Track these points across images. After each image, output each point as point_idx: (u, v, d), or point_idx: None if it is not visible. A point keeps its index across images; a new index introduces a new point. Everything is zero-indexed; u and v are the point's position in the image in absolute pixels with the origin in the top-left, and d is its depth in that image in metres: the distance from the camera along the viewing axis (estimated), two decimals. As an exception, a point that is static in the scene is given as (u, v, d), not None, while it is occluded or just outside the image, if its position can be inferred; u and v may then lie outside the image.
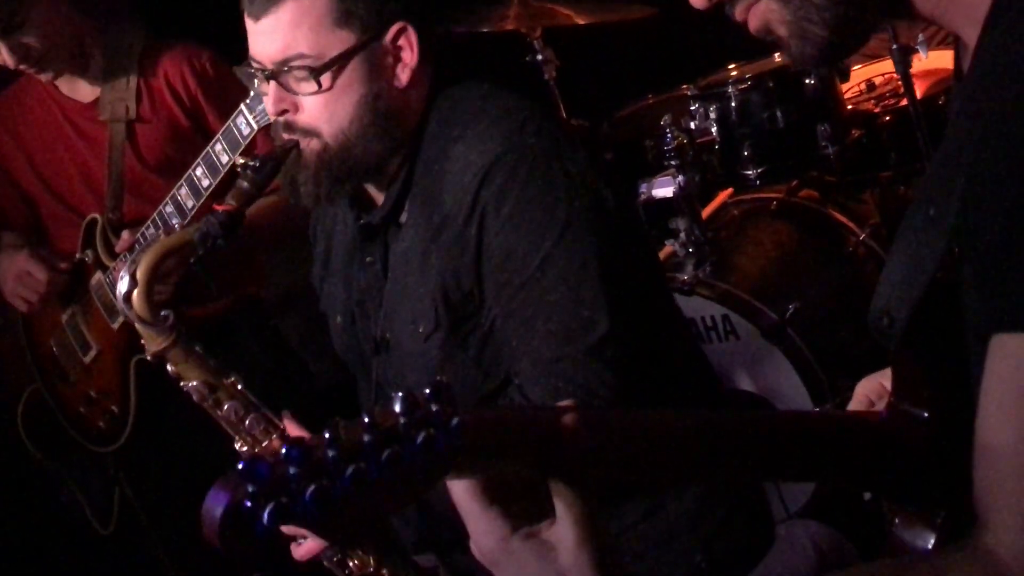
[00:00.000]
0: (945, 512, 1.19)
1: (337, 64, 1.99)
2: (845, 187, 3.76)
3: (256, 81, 2.10)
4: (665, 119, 3.50)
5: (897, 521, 1.23)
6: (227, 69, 2.95)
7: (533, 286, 1.94)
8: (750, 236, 3.59)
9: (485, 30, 3.81)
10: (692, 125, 3.62)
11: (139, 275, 2.10)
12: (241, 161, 2.09)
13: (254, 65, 2.05)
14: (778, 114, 3.56)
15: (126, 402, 3.03)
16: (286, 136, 2.06)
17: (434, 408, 0.95)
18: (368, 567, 2.12)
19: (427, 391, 0.96)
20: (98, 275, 2.97)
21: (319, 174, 2.06)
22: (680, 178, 3.39)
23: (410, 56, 2.03)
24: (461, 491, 1.09)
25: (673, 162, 3.43)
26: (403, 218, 2.11)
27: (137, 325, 2.15)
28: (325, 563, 2.15)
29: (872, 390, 1.39)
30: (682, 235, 3.39)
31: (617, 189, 2.05)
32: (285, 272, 4.03)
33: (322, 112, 2.02)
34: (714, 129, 3.61)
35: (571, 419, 1.08)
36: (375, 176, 2.11)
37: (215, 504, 0.89)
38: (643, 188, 3.52)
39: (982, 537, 1.02)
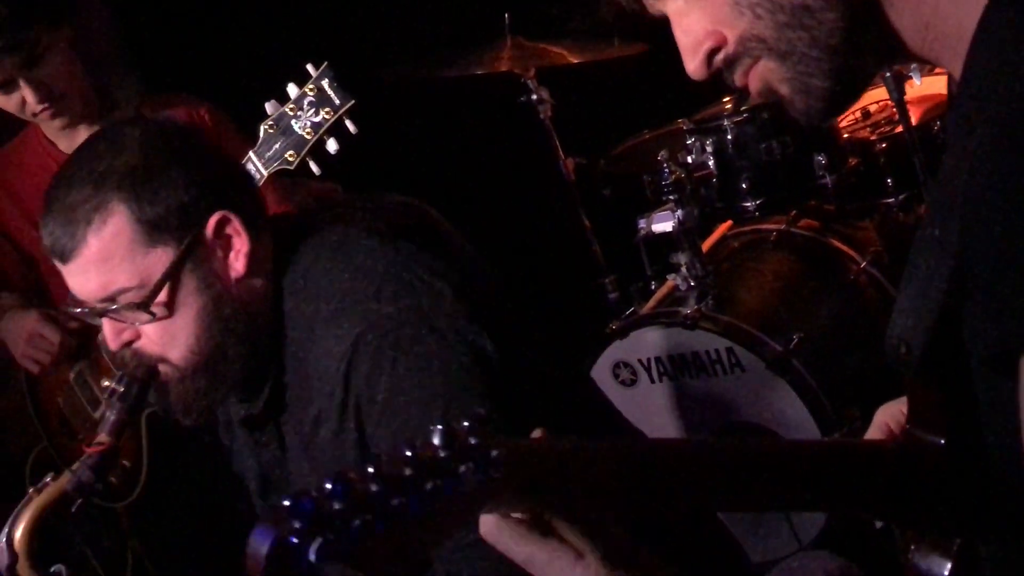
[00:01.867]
0: (961, 540, 1.18)
1: (164, 284, 1.84)
2: (844, 216, 3.76)
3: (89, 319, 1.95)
4: (662, 154, 3.51)
5: (913, 549, 1.22)
6: (224, 119, 2.95)
7: None
8: (751, 268, 3.58)
9: (479, 72, 3.82)
10: (689, 159, 3.62)
11: (17, 545, 1.99)
12: (105, 384, 2.00)
13: (81, 307, 1.91)
14: (774, 145, 3.56)
15: (138, 456, 3.01)
16: (135, 365, 1.93)
17: (473, 441, 0.95)
18: None
19: (465, 424, 0.96)
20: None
21: (185, 396, 1.93)
22: (679, 212, 3.39)
23: (241, 242, 1.89)
24: (501, 531, 1.08)
25: (671, 196, 3.43)
26: (288, 396, 1.98)
27: None
28: None
29: (891, 416, 1.39)
30: (683, 269, 3.39)
31: (491, 325, 1.87)
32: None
33: (164, 337, 1.88)
34: (711, 162, 3.61)
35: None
36: (249, 374, 1.96)
37: (261, 540, 0.88)
38: (642, 223, 3.52)
39: None
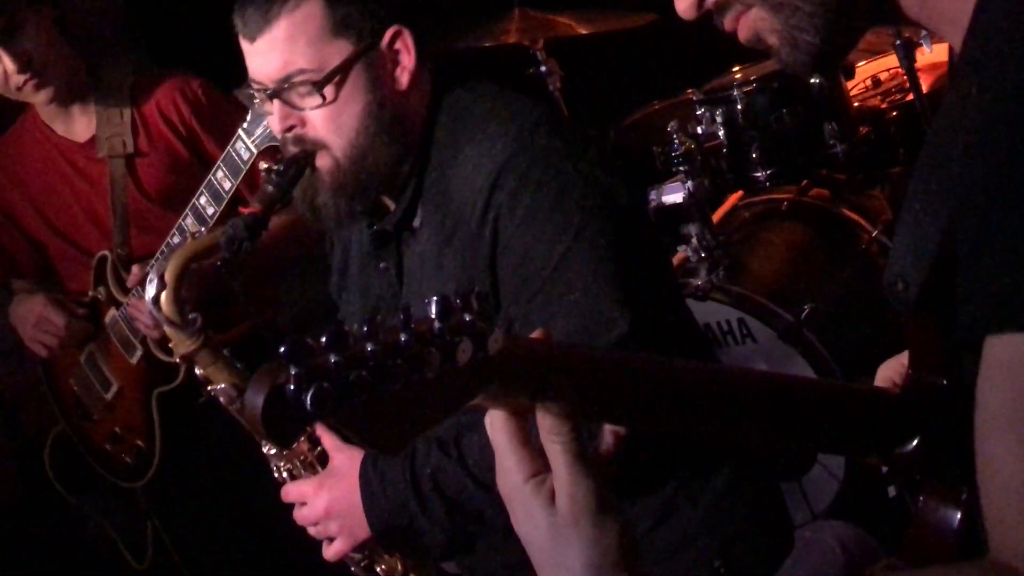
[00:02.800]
0: (969, 488, 1.18)
1: (338, 74, 1.98)
2: (855, 184, 3.75)
3: (258, 102, 2.08)
4: (672, 125, 3.50)
5: (922, 500, 1.22)
6: (219, 95, 2.95)
7: (551, 287, 1.93)
8: (762, 238, 3.58)
9: (487, 44, 3.82)
10: (699, 130, 3.61)
11: (167, 277, 2.13)
12: (264, 166, 2.09)
13: (255, 86, 2.04)
14: (784, 115, 3.55)
15: (151, 435, 3.03)
16: (296, 150, 2.05)
17: (467, 317, 0.95)
18: (396, 572, 2.11)
19: (458, 299, 0.96)
20: (112, 311, 2.98)
21: (336, 192, 2.05)
22: (689, 183, 3.39)
23: (408, 59, 2.03)
24: (497, 423, 1.10)
25: (682, 168, 3.42)
26: (416, 222, 2.11)
27: (166, 327, 2.17)
28: (353, 568, 2.14)
29: (895, 371, 1.39)
30: (694, 240, 3.39)
31: (629, 187, 2.04)
32: (302, 295, 4.04)
33: (329, 124, 2.01)
34: (721, 133, 3.60)
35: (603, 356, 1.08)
36: (388, 185, 2.10)
37: (258, 390, 0.88)
38: (653, 195, 3.52)
39: (998, 556, 1.00)
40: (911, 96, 3.51)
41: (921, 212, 1.10)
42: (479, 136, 2.01)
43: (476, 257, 1.99)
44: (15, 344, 3.23)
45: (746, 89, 3.58)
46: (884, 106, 3.73)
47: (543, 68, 3.81)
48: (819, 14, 1.14)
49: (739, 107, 3.59)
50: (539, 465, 1.09)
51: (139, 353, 2.96)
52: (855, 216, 3.62)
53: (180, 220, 2.65)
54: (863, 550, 2.52)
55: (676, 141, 3.45)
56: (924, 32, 3.36)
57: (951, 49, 1.19)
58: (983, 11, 1.05)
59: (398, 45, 2.02)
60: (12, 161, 3.11)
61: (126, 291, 2.91)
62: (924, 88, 3.51)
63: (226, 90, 2.52)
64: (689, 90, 3.79)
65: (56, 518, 3.57)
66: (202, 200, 2.58)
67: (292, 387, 0.87)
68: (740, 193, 3.81)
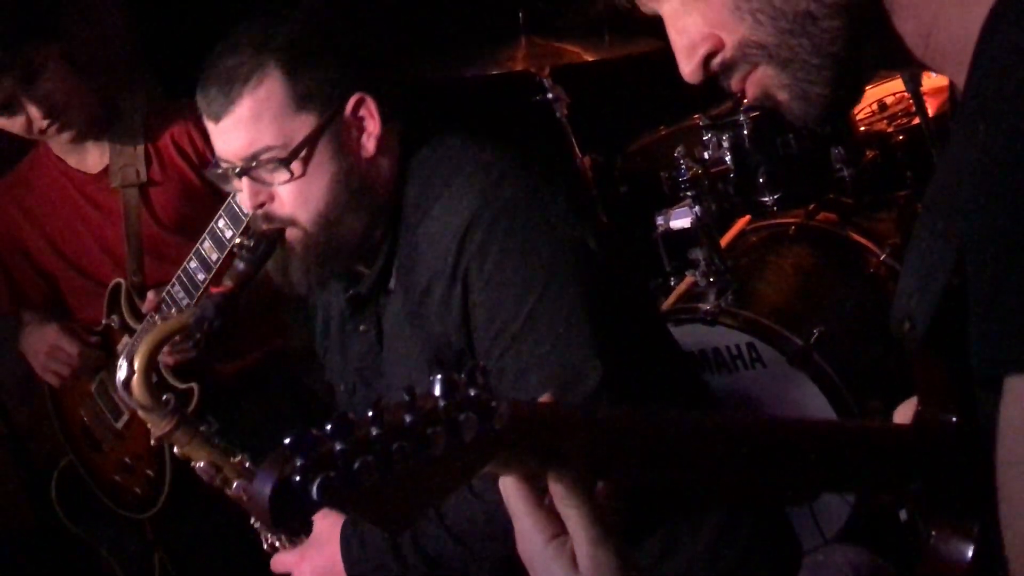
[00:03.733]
0: (981, 523, 1.18)
1: (304, 149, 1.98)
2: (863, 208, 3.75)
3: (228, 180, 2.09)
4: (678, 150, 3.51)
5: (934, 534, 1.22)
6: None
7: (523, 341, 1.92)
8: (770, 262, 3.58)
9: (494, 72, 3.83)
10: (706, 155, 3.62)
11: (137, 362, 2.12)
12: (236, 240, 2.10)
13: (223, 165, 2.05)
14: (791, 139, 3.55)
15: (161, 465, 3.03)
16: (267, 226, 2.06)
17: (472, 392, 0.95)
18: None
19: (463, 375, 0.96)
20: (125, 339, 2.98)
21: (307, 261, 2.06)
22: (697, 208, 3.39)
23: (373, 125, 2.03)
24: (510, 488, 1.10)
25: (689, 192, 3.43)
26: (391, 284, 2.10)
27: (139, 411, 2.16)
28: None
29: (908, 417, 1.38)
30: (702, 265, 3.39)
31: (601, 232, 2.03)
32: (307, 320, 4.04)
33: (298, 198, 2.01)
34: (728, 157, 3.60)
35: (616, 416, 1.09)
36: (361, 252, 2.11)
37: (264, 482, 0.88)
38: (660, 220, 3.52)
39: None
40: (917, 120, 3.52)
41: (928, 251, 1.11)
42: (446, 193, 2.01)
43: (450, 315, 1.99)
44: (26, 374, 3.23)
45: (752, 114, 3.59)
46: (890, 130, 3.74)
47: (550, 95, 3.82)
48: (827, 66, 1.14)
49: (746, 132, 3.59)
50: (558, 526, 1.09)
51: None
52: (863, 240, 3.62)
53: (198, 244, 2.65)
54: (874, 574, 2.52)
55: (683, 166, 3.46)
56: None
57: (953, 87, 1.19)
58: (985, 47, 1.05)
59: (362, 112, 2.02)
60: (24, 193, 3.12)
61: (140, 318, 2.91)
62: (930, 112, 3.51)
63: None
64: (696, 115, 3.80)
65: (65, 549, 3.56)
66: (220, 223, 2.59)
67: (298, 478, 0.88)
68: (748, 217, 3.81)
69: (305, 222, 2.03)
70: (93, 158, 3.04)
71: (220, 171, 2.07)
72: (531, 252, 1.93)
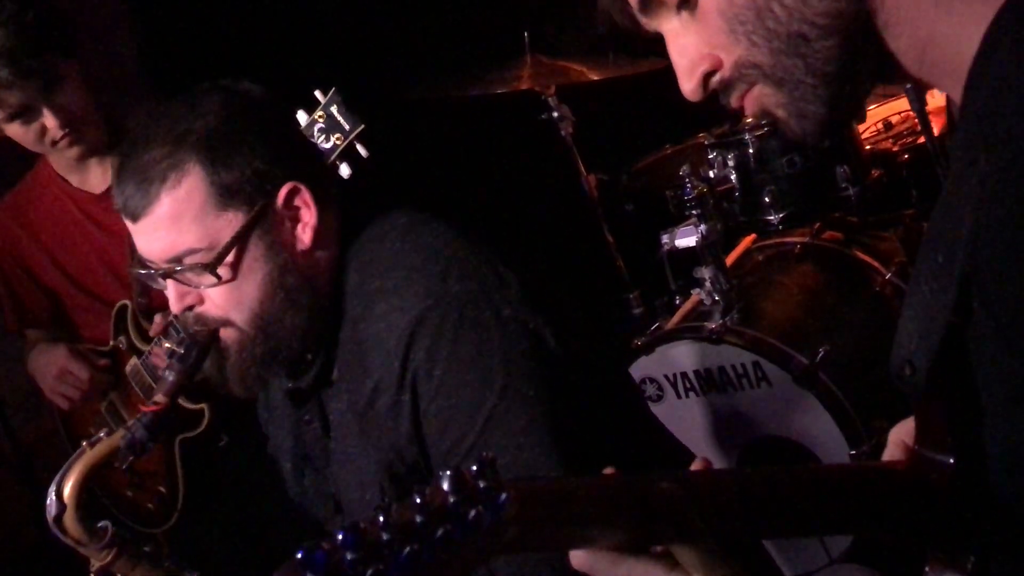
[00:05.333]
0: (975, 557, 1.18)
1: (231, 249, 1.86)
2: (868, 227, 3.75)
3: (159, 278, 1.95)
4: (684, 169, 3.51)
5: (928, 569, 1.22)
6: None
7: (479, 451, 1.79)
8: (776, 281, 3.58)
9: (499, 91, 3.84)
10: (711, 173, 3.62)
11: (67, 497, 2.02)
12: (167, 346, 2.02)
13: (147, 264, 1.92)
14: (796, 158, 3.55)
15: (174, 482, 3.02)
16: (198, 328, 1.94)
17: (481, 485, 0.95)
18: None
19: (473, 468, 0.96)
20: (133, 360, 2.98)
21: (243, 363, 1.94)
22: (702, 227, 3.39)
23: (308, 214, 1.91)
24: (593, 564, 1.11)
25: (694, 211, 3.42)
26: (334, 375, 1.99)
27: (77, 548, 2.07)
28: None
29: (907, 434, 1.38)
30: (707, 284, 3.38)
31: (556, 318, 1.89)
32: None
33: (228, 300, 1.90)
34: (733, 176, 3.61)
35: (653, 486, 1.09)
36: (302, 349, 1.98)
37: None
38: (665, 238, 3.52)
39: None
40: (922, 139, 3.52)
41: (928, 292, 1.11)
42: (389, 286, 1.89)
43: (399, 425, 1.88)
44: (31, 392, 3.23)
45: (757, 133, 3.59)
46: (896, 149, 3.74)
47: (555, 114, 3.83)
48: (822, 85, 1.15)
49: (751, 151, 3.60)
50: (664, 561, 1.12)
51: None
52: (868, 258, 3.61)
53: None
54: (881, 595, 2.50)
55: (688, 185, 3.45)
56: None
57: (950, 101, 1.19)
58: (982, 68, 1.06)
59: (297, 202, 1.91)
60: (26, 212, 3.13)
61: (147, 340, 2.91)
62: (935, 130, 3.51)
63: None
64: (701, 134, 3.81)
65: (70, 568, 3.56)
66: None
67: None
68: (753, 236, 3.81)
69: (240, 323, 1.91)
70: (95, 177, 3.05)
71: (143, 272, 1.94)
72: (483, 355, 1.81)
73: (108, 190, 3.02)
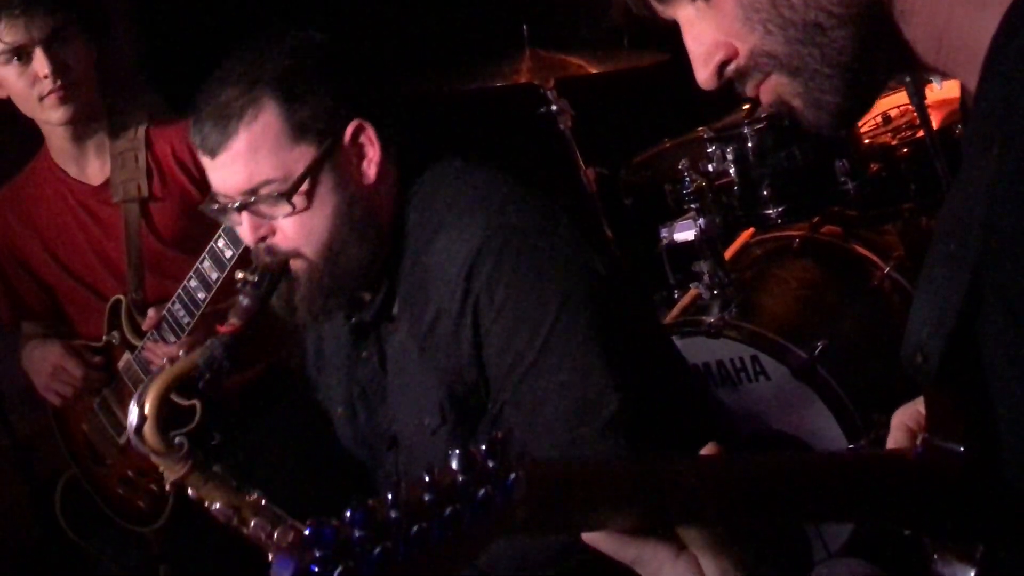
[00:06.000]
0: (984, 546, 1.18)
1: (305, 180, 1.97)
2: (867, 221, 3.75)
3: (227, 215, 2.06)
4: (683, 163, 3.51)
5: (936, 557, 1.22)
6: None
7: (538, 372, 1.91)
8: (774, 275, 3.58)
9: (498, 84, 3.83)
10: (710, 167, 3.61)
11: (148, 408, 2.11)
12: (240, 276, 2.08)
13: (222, 199, 2.03)
14: (795, 152, 3.55)
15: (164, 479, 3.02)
16: (270, 259, 2.04)
17: (491, 464, 0.95)
18: None
19: (483, 447, 0.96)
20: (127, 356, 2.98)
21: (312, 291, 2.04)
22: (701, 221, 3.39)
23: (373, 151, 2.02)
24: (604, 543, 1.11)
25: (693, 205, 3.43)
26: (394, 310, 2.09)
27: (152, 457, 2.14)
28: None
29: (910, 418, 1.38)
30: (706, 278, 3.38)
31: (607, 253, 2.02)
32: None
33: (300, 231, 2.00)
34: (732, 170, 3.60)
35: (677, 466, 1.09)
36: (366, 281, 2.09)
37: (282, 570, 0.88)
38: (664, 232, 3.52)
39: None
40: (922, 132, 3.52)
41: (941, 279, 1.11)
42: (449, 220, 1.99)
43: (460, 347, 1.97)
44: (29, 386, 3.23)
45: (757, 126, 3.59)
46: (895, 143, 3.73)
47: (554, 107, 3.82)
48: (838, 75, 1.15)
49: (750, 144, 3.59)
50: (675, 541, 1.11)
51: None
52: (867, 253, 3.61)
53: (197, 263, 2.65)
54: (879, 589, 2.50)
55: (687, 179, 3.46)
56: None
57: (963, 91, 1.19)
58: (998, 56, 1.05)
59: (361, 139, 2.01)
60: (24, 203, 3.12)
61: (141, 335, 2.90)
62: (934, 124, 3.50)
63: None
64: (700, 128, 3.80)
65: (68, 562, 3.56)
66: (220, 243, 2.58)
67: (316, 569, 0.87)
68: (752, 230, 3.81)
69: (310, 254, 2.01)
70: (94, 169, 3.04)
71: (216, 207, 2.04)
72: (541, 280, 1.92)
73: (106, 183, 3.02)
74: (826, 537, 3.12)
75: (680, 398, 2.11)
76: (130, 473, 3.09)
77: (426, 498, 0.92)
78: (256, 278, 2.04)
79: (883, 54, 1.15)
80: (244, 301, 2.06)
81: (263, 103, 1.96)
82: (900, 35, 1.14)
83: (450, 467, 0.94)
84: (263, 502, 2.17)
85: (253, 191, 1.98)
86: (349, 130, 2.00)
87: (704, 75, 1.21)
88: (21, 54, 2.81)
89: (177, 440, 2.14)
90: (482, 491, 0.94)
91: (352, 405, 2.24)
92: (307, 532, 0.88)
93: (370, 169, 2.02)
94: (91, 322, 3.08)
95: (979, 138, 1.06)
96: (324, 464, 2.46)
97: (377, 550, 0.89)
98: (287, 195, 1.95)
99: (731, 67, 1.20)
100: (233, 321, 2.06)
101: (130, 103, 3.12)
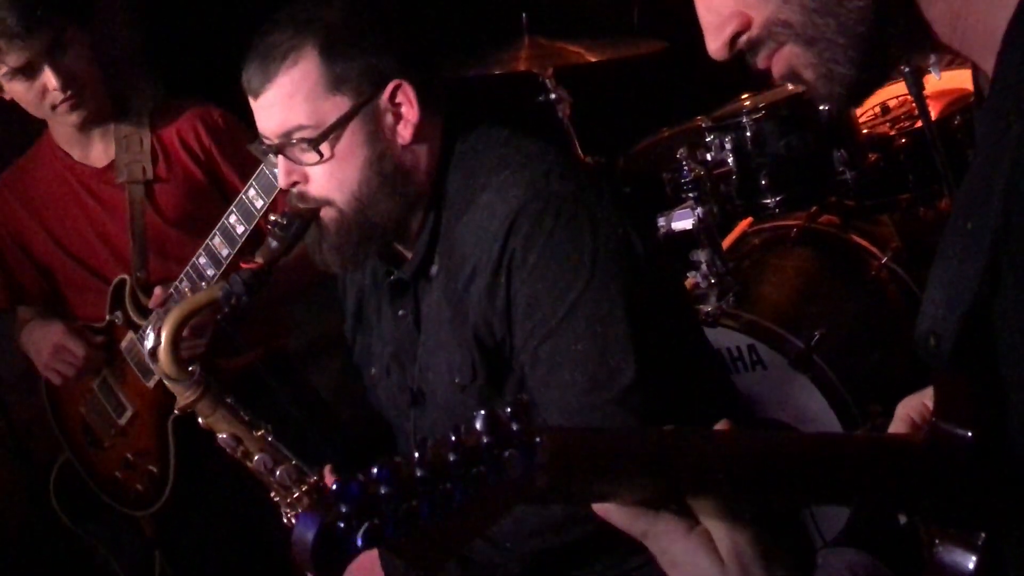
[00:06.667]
0: (986, 533, 1.18)
1: (335, 131, 2.00)
2: (865, 211, 3.75)
3: (269, 156, 2.13)
4: (681, 152, 3.50)
5: (938, 543, 1.22)
6: (240, 124, 2.97)
7: (560, 335, 1.94)
8: (772, 265, 3.58)
9: (497, 72, 3.83)
10: (708, 156, 3.61)
11: (164, 332, 2.17)
12: (272, 218, 2.12)
13: (263, 141, 2.09)
14: (793, 142, 3.55)
15: (165, 461, 3.02)
16: (302, 206, 2.08)
17: (515, 427, 0.95)
18: None
19: (508, 409, 0.96)
20: (130, 335, 2.98)
21: (340, 240, 2.07)
22: (699, 210, 3.39)
23: (411, 112, 2.04)
24: (617, 516, 1.10)
25: (691, 194, 3.43)
26: (433, 270, 2.12)
27: (165, 380, 2.22)
28: None
29: (914, 409, 1.38)
30: (703, 267, 3.39)
31: (644, 231, 2.05)
32: (314, 323, 4.05)
33: (330, 180, 2.04)
34: (730, 159, 3.60)
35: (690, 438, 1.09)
36: (397, 235, 2.12)
37: (307, 526, 0.88)
38: (662, 221, 3.52)
39: None
40: (920, 123, 3.52)
41: (957, 260, 1.10)
42: (494, 181, 2.02)
43: (493, 303, 2.00)
44: (26, 370, 3.23)
45: (755, 116, 3.59)
46: (893, 133, 3.74)
47: (553, 96, 3.82)
48: (853, 46, 1.14)
49: (748, 134, 3.59)
50: (685, 516, 1.11)
51: (156, 376, 2.95)
52: (865, 243, 3.62)
53: (208, 240, 2.64)
54: (874, 577, 2.51)
55: (685, 168, 3.45)
56: (933, 59, 3.37)
57: (976, 72, 1.19)
58: (1015, 36, 1.05)
59: (400, 99, 2.03)
60: (26, 186, 3.12)
61: (145, 314, 2.91)
62: (933, 115, 3.51)
63: (244, 120, 2.53)
64: (698, 117, 3.80)
65: (63, 547, 3.56)
66: (231, 219, 2.58)
67: (342, 525, 0.88)
68: (749, 220, 3.81)
69: (339, 203, 2.05)
70: (97, 152, 3.04)
71: (262, 147, 2.11)
72: (576, 247, 1.95)
73: (110, 165, 3.02)
74: (821, 526, 3.13)
75: (700, 381, 2.12)
76: (129, 455, 3.09)
77: (451, 458, 0.92)
78: (286, 221, 2.08)
79: (899, 29, 1.14)
80: (272, 243, 2.09)
81: (305, 51, 2.00)
82: (917, 11, 1.13)
83: (475, 428, 0.94)
84: (270, 439, 2.22)
85: (287, 134, 2.02)
86: (388, 89, 2.02)
87: (716, 45, 1.20)
88: (27, 71, 2.82)
89: (191, 367, 2.20)
90: (506, 453, 0.94)
91: (385, 365, 2.27)
92: (334, 486, 0.88)
93: (406, 130, 2.04)
94: (89, 304, 3.08)
95: (996, 118, 1.05)
96: (323, 449, 2.47)
97: (403, 507, 0.89)
98: (315, 142, 1.99)
99: (744, 38, 1.19)
100: (258, 259, 2.10)
101: (134, 86, 3.12)
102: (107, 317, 3.02)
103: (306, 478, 2.25)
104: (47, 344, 3.07)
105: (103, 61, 3.00)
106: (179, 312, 2.17)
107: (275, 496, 2.28)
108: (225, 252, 2.62)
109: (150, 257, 3.00)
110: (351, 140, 2.02)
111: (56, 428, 3.23)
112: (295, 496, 2.23)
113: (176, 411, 2.24)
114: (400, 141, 2.05)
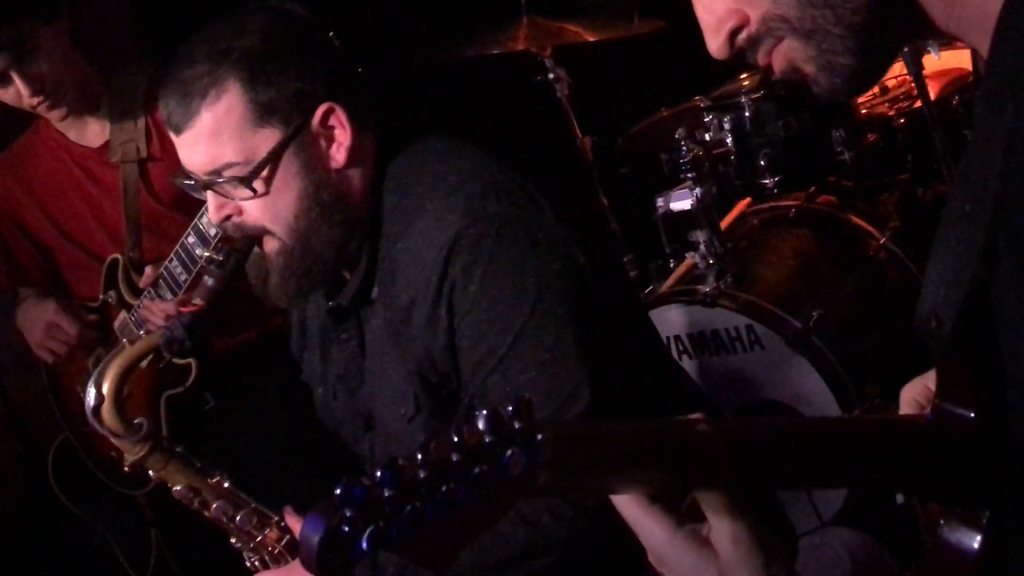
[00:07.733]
0: (991, 512, 1.18)
1: (267, 165, 1.92)
2: (863, 191, 3.74)
3: (198, 190, 2.03)
4: (679, 132, 3.50)
5: (942, 523, 1.22)
6: None
7: (508, 365, 1.87)
8: (770, 245, 3.58)
9: (495, 52, 3.82)
10: (707, 137, 3.61)
11: (106, 389, 2.08)
12: (205, 255, 2.06)
13: (189, 177, 2.00)
14: (792, 122, 3.55)
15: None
16: (235, 238, 2.01)
17: (517, 425, 0.96)
18: None
19: (510, 408, 0.96)
20: (123, 315, 2.98)
21: (286, 274, 2.00)
22: (697, 190, 3.39)
23: (344, 135, 1.96)
24: (618, 499, 1.11)
25: (690, 174, 3.42)
26: (373, 294, 2.05)
27: (111, 439, 2.13)
28: None
29: (919, 393, 1.38)
30: (702, 247, 3.38)
31: (586, 241, 1.97)
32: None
33: (265, 214, 1.96)
34: (729, 140, 3.60)
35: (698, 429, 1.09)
36: (340, 262, 2.05)
37: (313, 530, 0.88)
38: (660, 202, 3.52)
39: None
40: (919, 103, 3.51)
41: (955, 242, 1.10)
42: (428, 205, 1.94)
43: (435, 336, 1.93)
44: (25, 351, 3.23)
45: (754, 96, 3.59)
46: (892, 113, 3.74)
47: (551, 75, 3.82)
48: (851, 36, 1.14)
49: (747, 114, 3.59)
50: (679, 516, 1.11)
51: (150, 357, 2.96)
52: (863, 223, 3.61)
53: (195, 220, 2.64)
54: (871, 557, 2.52)
55: (684, 148, 3.45)
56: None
57: (974, 56, 1.19)
58: (1011, 19, 1.05)
59: (332, 122, 1.96)
60: (23, 167, 3.12)
61: (137, 294, 2.91)
62: (932, 95, 3.50)
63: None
64: (697, 97, 3.80)
65: (61, 527, 3.57)
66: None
67: (347, 529, 0.88)
68: (748, 200, 3.81)
69: (278, 232, 1.98)
70: (93, 132, 3.04)
71: (187, 182, 2.01)
72: (518, 273, 1.88)
73: (106, 145, 3.02)
74: (819, 506, 3.14)
75: (655, 383, 2.07)
76: None
77: (454, 458, 0.92)
78: (221, 257, 2.02)
79: (896, 16, 1.14)
80: (208, 281, 2.03)
81: (227, 84, 1.90)
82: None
83: (477, 427, 0.94)
84: (226, 485, 2.16)
85: (216, 172, 1.94)
86: (319, 113, 1.94)
87: (716, 44, 1.20)
88: (1, 81, 2.81)
89: (136, 421, 2.11)
90: (509, 451, 0.94)
91: (332, 386, 2.21)
92: (337, 491, 0.88)
93: (339, 153, 1.96)
94: (87, 284, 3.08)
95: (993, 99, 1.06)
96: (318, 430, 2.47)
97: (407, 509, 0.89)
98: (247, 180, 1.91)
99: (743, 35, 1.19)
100: (196, 302, 2.04)
101: (127, 66, 3.11)
102: (100, 296, 3.02)
103: (267, 520, 2.20)
104: (40, 322, 3.08)
105: (89, 45, 2.99)
106: (119, 366, 2.07)
107: (236, 542, 2.23)
108: (213, 232, 2.60)
109: (144, 236, 3.00)
110: (285, 172, 1.93)
111: (55, 407, 3.24)
112: (257, 540, 2.20)
113: (126, 468, 2.17)
114: (334, 165, 1.97)
